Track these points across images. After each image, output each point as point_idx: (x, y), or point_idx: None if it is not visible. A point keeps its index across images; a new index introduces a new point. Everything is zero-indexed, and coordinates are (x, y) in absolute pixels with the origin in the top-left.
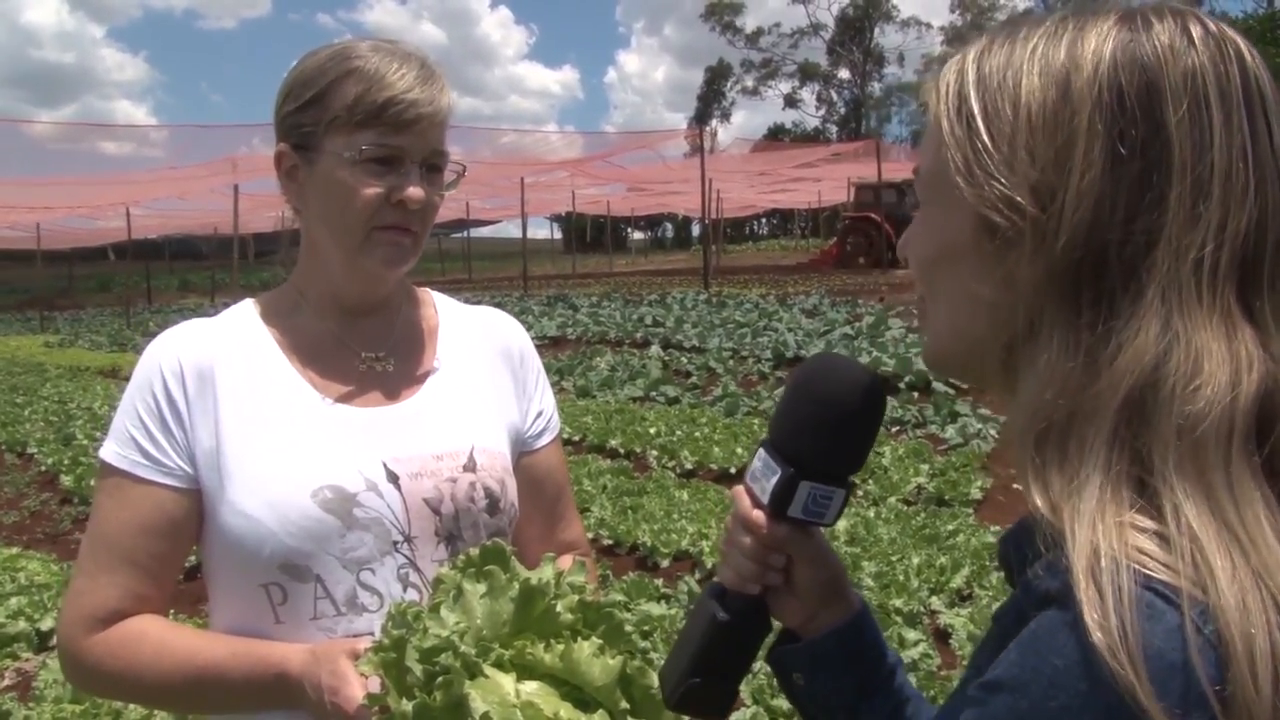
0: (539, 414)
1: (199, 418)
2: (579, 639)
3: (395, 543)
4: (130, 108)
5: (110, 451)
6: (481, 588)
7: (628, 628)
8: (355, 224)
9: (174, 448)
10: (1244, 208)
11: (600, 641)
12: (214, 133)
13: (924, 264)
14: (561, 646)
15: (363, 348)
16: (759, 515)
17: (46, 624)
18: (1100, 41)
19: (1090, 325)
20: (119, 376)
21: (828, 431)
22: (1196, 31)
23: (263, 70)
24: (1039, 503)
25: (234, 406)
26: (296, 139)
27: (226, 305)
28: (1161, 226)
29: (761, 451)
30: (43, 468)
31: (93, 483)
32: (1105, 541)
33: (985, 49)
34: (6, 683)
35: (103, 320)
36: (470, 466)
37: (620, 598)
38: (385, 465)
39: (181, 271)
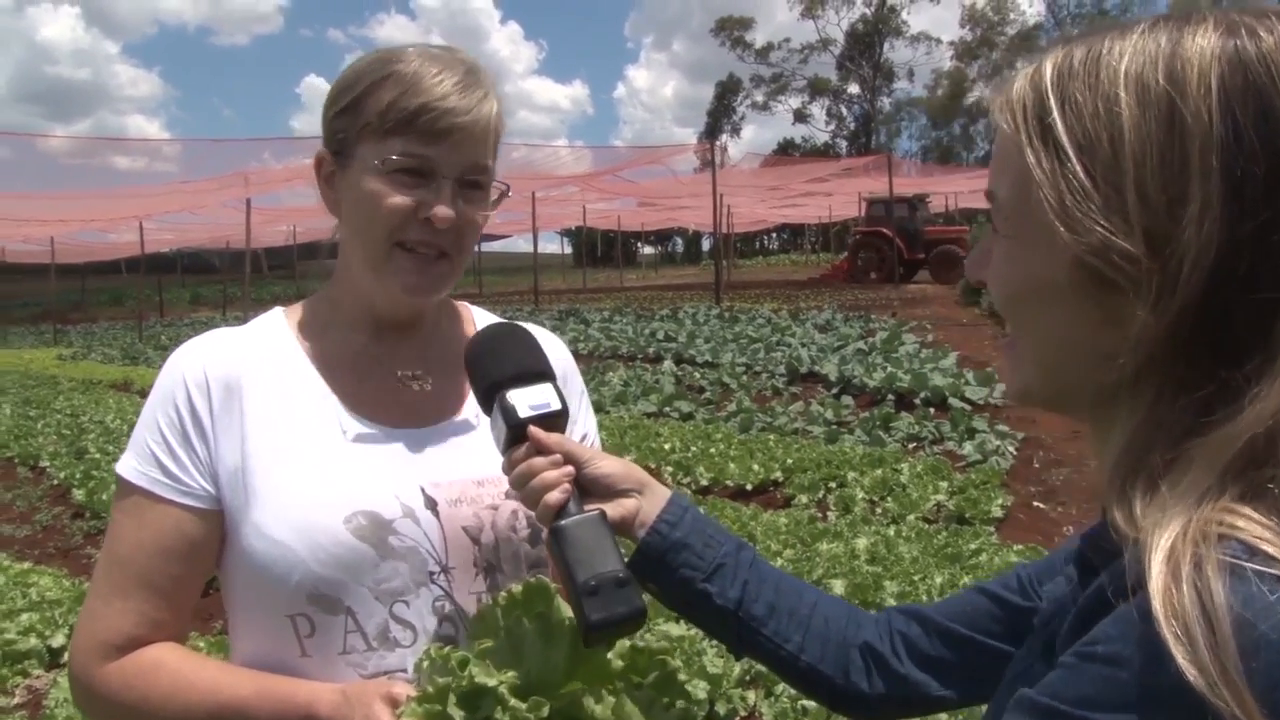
0: (582, 437)
1: (224, 434)
2: (629, 685)
3: (431, 573)
4: (143, 122)
5: (129, 467)
6: (532, 631)
7: (680, 676)
8: (378, 237)
9: (196, 466)
10: None
11: (652, 693)
12: (226, 147)
13: (1010, 300)
14: (613, 700)
15: (398, 365)
16: (517, 449)
17: (58, 641)
18: (1203, 60)
19: (1207, 377)
20: (131, 390)
21: (491, 359)
22: None
23: (274, 85)
24: (1120, 521)
25: (262, 423)
26: (335, 145)
27: (239, 319)
28: None
29: (489, 424)
30: (55, 481)
31: (105, 497)
32: (1195, 529)
33: (1064, 64)
34: (17, 700)
35: (115, 334)
36: (512, 494)
37: (668, 645)
38: (423, 490)
39: (193, 285)
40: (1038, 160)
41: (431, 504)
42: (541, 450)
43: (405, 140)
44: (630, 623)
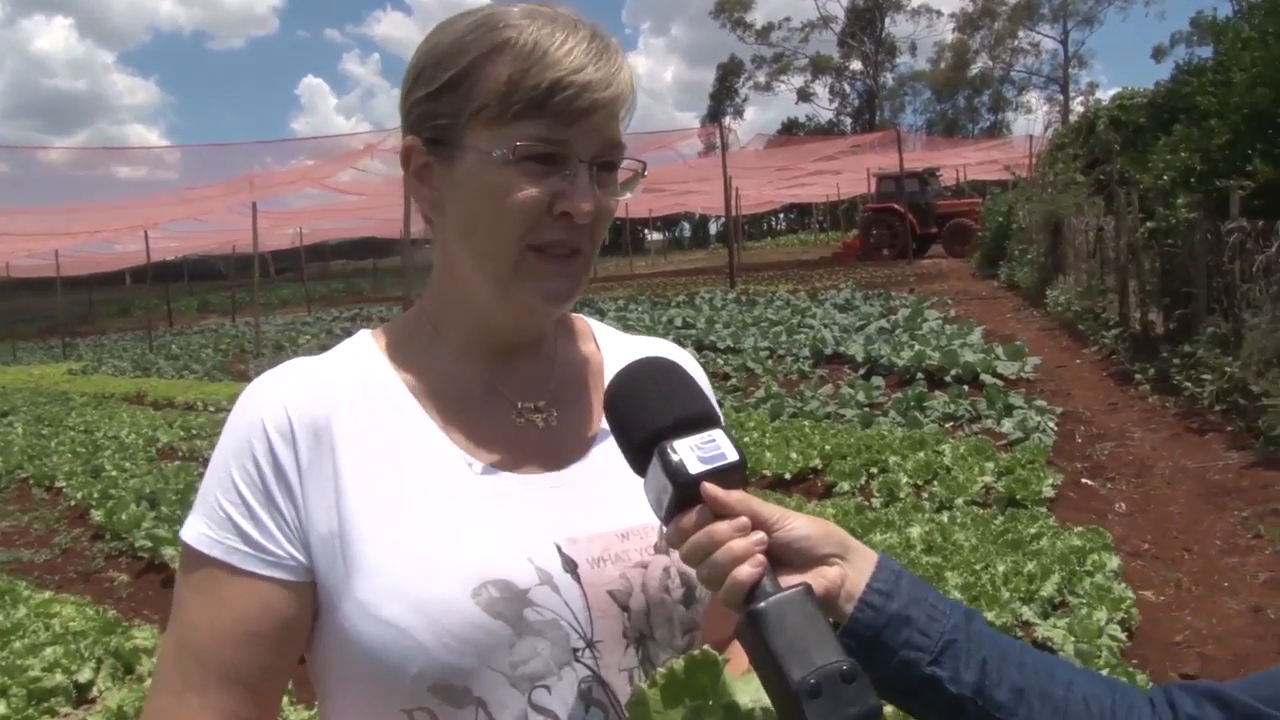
0: None
1: (314, 490)
2: None
3: (575, 650)
4: (143, 131)
5: (198, 534)
6: None
7: None
8: (506, 242)
9: (283, 530)
10: None
11: None
12: (228, 152)
13: None
14: None
15: (518, 396)
16: (687, 514)
17: (84, 675)
18: None
19: None
20: (144, 402)
21: (643, 404)
22: None
23: (272, 88)
24: None
25: (359, 474)
26: (430, 132)
27: (249, 324)
28: None
29: (642, 484)
30: (72, 502)
31: (124, 517)
32: None
33: None
34: None
35: (125, 345)
36: (662, 547)
37: None
38: (560, 549)
39: (201, 292)
40: None
41: (571, 565)
42: (721, 513)
43: (537, 124)
44: None
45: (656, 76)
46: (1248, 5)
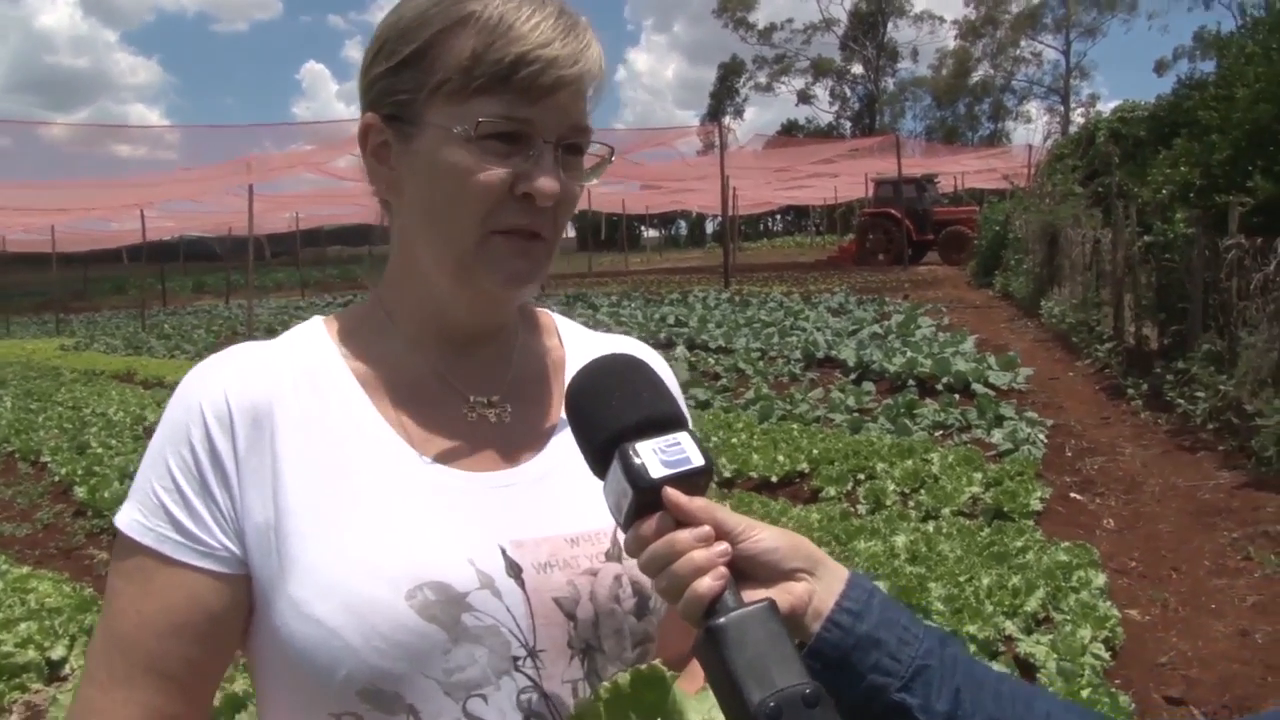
0: None
1: (251, 480)
2: None
3: (516, 659)
4: (144, 111)
5: (130, 520)
6: None
7: None
8: (467, 224)
9: (216, 519)
10: None
11: None
12: (226, 134)
13: None
14: None
15: (471, 390)
16: (647, 521)
17: (58, 652)
18: None
19: None
20: (134, 380)
21: (604, 403)
22: None
23: (274, 72)
24: None
25: (299, 465)
26: (390, 108)
27: (242, 307)
28: None
29: (598, 487)
30: (56, 478)
31: (107, 495)
32: None
33: None
34: (14, 717)
35: (118, 323)
36: (615, 554)
37: None
38: (504, 553)
39: (196, 273)
40: None
41: (515, 570)
42: (683, 521)
43: (499, 101)
44: None
45: (658, 73)
46: (1252, 20)
